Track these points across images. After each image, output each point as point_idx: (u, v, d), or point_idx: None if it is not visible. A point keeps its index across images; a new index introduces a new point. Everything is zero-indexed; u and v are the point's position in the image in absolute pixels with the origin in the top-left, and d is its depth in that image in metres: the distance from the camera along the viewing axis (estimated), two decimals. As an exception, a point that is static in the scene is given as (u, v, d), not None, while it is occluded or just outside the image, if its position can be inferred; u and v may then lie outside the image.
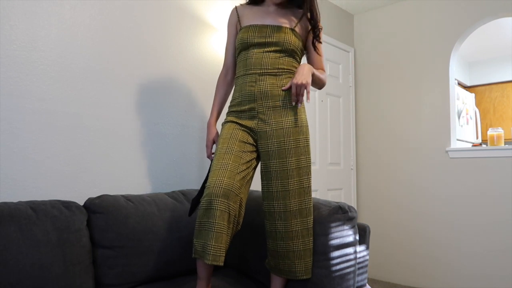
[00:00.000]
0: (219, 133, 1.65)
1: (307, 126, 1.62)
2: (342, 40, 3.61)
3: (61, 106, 1.73)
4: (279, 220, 1.53)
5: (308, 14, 1.63)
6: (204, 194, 1.42)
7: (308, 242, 1.53)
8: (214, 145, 1.80)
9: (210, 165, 1.66)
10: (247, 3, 1.75)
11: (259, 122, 1.58)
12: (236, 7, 1.75)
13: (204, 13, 2.35)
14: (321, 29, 1.66)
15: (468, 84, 5.50)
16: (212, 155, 1.75)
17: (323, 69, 1.71)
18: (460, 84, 5.08)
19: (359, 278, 1.65)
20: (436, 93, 3.24)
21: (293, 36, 1.59)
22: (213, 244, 1.35)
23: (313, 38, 1.66)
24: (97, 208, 1.58)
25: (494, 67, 5.35)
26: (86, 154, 1.80)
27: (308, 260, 1.52)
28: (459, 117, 3.61)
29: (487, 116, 5.23)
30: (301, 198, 1.54)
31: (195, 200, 1.62)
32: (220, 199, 1.38)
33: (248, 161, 1.54)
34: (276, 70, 1.58)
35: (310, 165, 1.59)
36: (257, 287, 1.71)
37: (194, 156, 2.27)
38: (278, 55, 1.58)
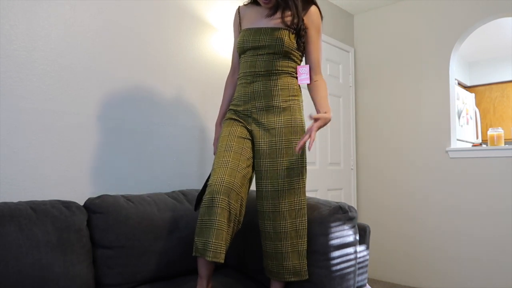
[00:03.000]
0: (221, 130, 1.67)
1: (302, 126, 1.60)
2: (342, 40, 3.61)
3: (61, 106, 1.73)
4: (268, 220, 1.53)
5: (290, 18, 1.58)
6: (206, 193, 1.43)
7: (297, 244, 1.51)
8: None
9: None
10: (249, 3, 1.74)
11: (253, 123, 1.59)
12: (239, 8, 1.76)
13: (204, 13, 2.35)
14: (307, 29, 1.61)
15: (468, 84, 5.50)
16: None
17: (318, 68, 1.65)
18: (460, 84, 5.08)
19: (359, 278, 1.65)
20: (436, 93, 3.23)
21: (286, 37, 1.57)
22: (213, 241, 1.36)
23: (297, 41, 1.60)
24: (97, 208, 1.58)
25: (494, 67, 5.35)
26: (86, 154, 1.80)
27: (296, 262, 1.51)
28: (459, 117, 3.61)
29: (487, 116, 5.23)
30: (291, 199, 1.53)
31: (200, 195, 1.62)
32: (221, 197, 1.39)
33: (248, 158, 1.54)
34: (270, 72, 1.58)
35: (304, 166, 1.57)
36: (257, 287, 1.71)
37: (195, 156, 2.27)
38: (271, 57, 1.58)
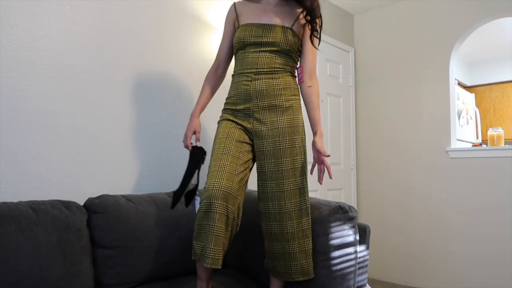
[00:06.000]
0: (216, 131, 1.63)
1: (303, 126, 1.60)
2: (342, 40, 3.61)
3: (61, 106, 1.73)
4: (274, 221, 1.52)
5: (303, 12, 1.57)
6: (204, 197, 1.42)
7: (303, 243, 1.51)
8: (193, 136, 1.72)
9: (189, 156, 1.62)
10: None
11: (254, 122, 1.57)
12: (234, 4, 1.72)
13: (204, 13, 2.35)
14: (320, 26, 1.61)
15: (468, 84, 5.50)
16: (191, 145, 1.67)
17: (314, 70, 1.64)
18: (460, 84, 5.08)
19: (360, 278, 1.65)
20: (436, 93, 3.23)
21: (289, 36, 1.56)
22: (212, 247, 1.35)
23: (311, 33, 1.59)
24: (97, 208, 1.58)
25: (494, 67, 5.35)
26: (86, 154, 1.80)
27: (303, 262, 1.50)
28: (459, 117, 3.61)
29: (487, 116, 5.23)
30: (296, 199, 1.52)
31: (177, 193, 1.59)
32: (219, 202, 1.38)
33: (245, 162, 1.53)
34: (272, 70, 1.56)
35: (306, 166, 1.57)
36: (257, 287, 1.71)
37: (194, 156, 2.26)
38: (274, 55, 1.57)
